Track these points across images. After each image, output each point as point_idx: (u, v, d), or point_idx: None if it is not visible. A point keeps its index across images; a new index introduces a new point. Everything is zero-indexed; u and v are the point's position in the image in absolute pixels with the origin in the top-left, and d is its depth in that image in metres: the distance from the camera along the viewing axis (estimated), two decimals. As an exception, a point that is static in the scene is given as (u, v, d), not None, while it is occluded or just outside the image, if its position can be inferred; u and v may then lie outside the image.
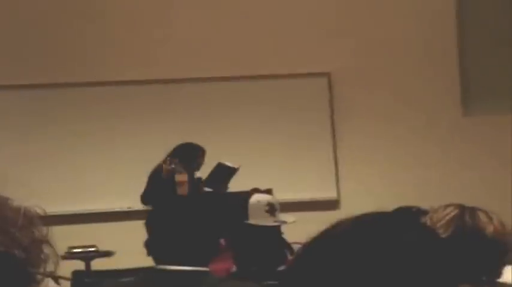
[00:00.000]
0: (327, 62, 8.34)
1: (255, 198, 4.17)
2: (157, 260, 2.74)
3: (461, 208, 2.48)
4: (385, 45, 8.38)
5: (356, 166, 8.28)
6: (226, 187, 6.93)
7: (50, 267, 2.70)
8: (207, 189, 6.95)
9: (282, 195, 6.52)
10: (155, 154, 8.15)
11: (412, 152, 8.28)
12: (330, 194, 8.31)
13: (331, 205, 8.22)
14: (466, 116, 8.41)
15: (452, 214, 2.45)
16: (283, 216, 4.26)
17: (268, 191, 6.02)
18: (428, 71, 8.37)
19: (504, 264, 2.48)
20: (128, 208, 7.97)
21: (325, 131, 8.36)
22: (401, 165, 8.25)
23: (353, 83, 8.38)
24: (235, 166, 7.04)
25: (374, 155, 8.29)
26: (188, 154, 7.03)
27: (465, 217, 2.44)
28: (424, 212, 3.07)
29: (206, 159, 7.10)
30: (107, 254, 7.00)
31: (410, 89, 8.38)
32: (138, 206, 7.67)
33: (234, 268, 3.84)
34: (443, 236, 2.37)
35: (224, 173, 7.04)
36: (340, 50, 8.36)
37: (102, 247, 7.06)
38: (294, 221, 4.13)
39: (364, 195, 7.61)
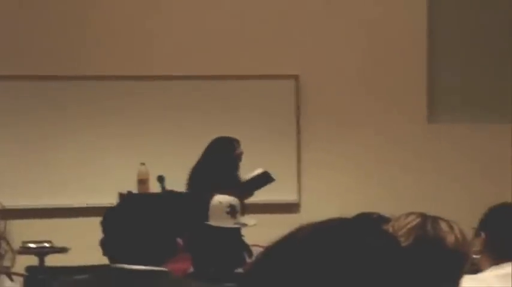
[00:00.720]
0: (296, 64, 8.34)
1: (217, 199, 4.16)
2: (112, 259, 2.69)
3: (423, 216, 2.47)
4: (354, 50, 8.39)
5: (319, 170, 8.28)
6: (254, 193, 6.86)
7: (5, 263, 2.65)
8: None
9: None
10: (115, 152, 8.13)
11: (376, 158, 8.29)
12: (291, 197, 8.30)
13: (291, 208, 8.21)
14: (431, 123, 8.46)
15: (414, 222, 2.44)
16: (244, 218, 4.24)
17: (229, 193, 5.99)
18: (396, 78, 8.40)
19: (463, 274, 2.48)
20: (86, 205, 7.90)
21: (290, 133, 8.36)
22: (365, 170, 8.27)
23: (321, 86, 8.38)
24: (274, 178, 6.97)
25: (337, 160, 8.29)
26: (225, 148, 6.90)
27: (427, 226, 2.43)
28: (386, 220, 3.06)
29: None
30: (62, 250, 6.91)
31: (377, 95, 8.40)
32: (96, 202, 7.61)
33: (191, 269, 3.82)
34: (404, 244, 2.36)
35: (263, 181, 6.98)
36: (309, 53, 8.36)
37: (58, 243, 6.97)
38: (254, 224, 4.11)
39: (326, 199, 7.62)
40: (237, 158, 6.89)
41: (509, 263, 2.91)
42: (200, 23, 8.31)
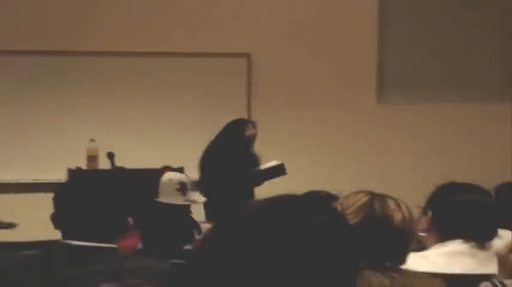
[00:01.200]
0: (248, 42, 8.33)
1: (167, 176, 4.14)
2: (63, 235, 2.68)
3: (371, 195, 2.50)
4: (305, 30, 8.41)
5: (270, 148, 8.29)
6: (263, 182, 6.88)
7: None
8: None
9: (194, 174, 6.51)
10: (64, 128, 8.05)
11: (326, 137, 8.34)
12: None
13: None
14: (379, 103, 8.54)
15: (362, 200, 2.47)
16: (194, 195, 4.24)
17: (180, 170, 5.98)
18: (347, 58, 8.44)
19: (409, 251, 2.51)
20: (32, 180, 7.82)
21: (241, 111, 8.34)
22: (315, 149, 8.31)
23: (272, 65, 8.38)
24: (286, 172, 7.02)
25: (288, 138, 8.32)
26: (236, 129, 6.98)
27: (374, 204, 2.46)
28: (334, 198, 3.09)
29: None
30: (9, 225, 6.83)
31: (327, 75, 8.44)
32: (44, 178, 7.54)
33: (139, 245, 3.81)
34: (353, 222, 2.38)
35: (275, 173, 6.97)
36: (261, 31, 8.35)
37: (5, 219, 6.89)
38: (204, 201, 4.11)
39: (276, 180, 7.61)
40: (248, 139, 6.95)
41: (454, 241, 2.95)
42: (153, 0, 8.25)
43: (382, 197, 2.50)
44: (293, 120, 8.36)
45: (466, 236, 2.95)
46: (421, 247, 3.05)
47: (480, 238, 2.97)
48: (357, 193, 2.54)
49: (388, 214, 2.44)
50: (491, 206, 3.08)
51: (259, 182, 6.83)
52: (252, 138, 7.02)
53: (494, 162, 8.19)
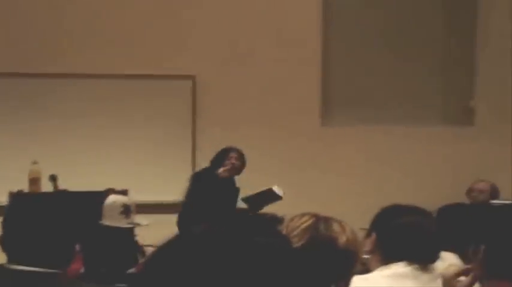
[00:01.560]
0: (193, 65, 8.33)
1: (111, 199, 4.11)
2: (9, 258, 2.63)
3: (316, 217, 2.51)
4: (249, 52, 8.44)
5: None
6: (261, 208, 6.89)
7: None
8: (242, 204, 7.03)
9: (139, 196, 6.46)
10: (6, 150, 7.94)
11: (271, 159, 8.36)
12: (185, 197, 8.28)
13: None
14: (323, 126, 8.61)
15: (307, 223, 2.47)
16: (139, 218, 4.20)
17: (124, 192, 5.94)
18: (291, 80, 8.49)
19: (353, 273, 2.52)
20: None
21: (186, 133, 8.34)
22: (260, 171, 8.30)
23: (217, 88, 8.39)
24: (281, 194, 7.01)
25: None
26: (218, 157, 7.07)
27: (319, 227, 2.46)
28: (279, 220, 3.09)
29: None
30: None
31: (272, 97, 8.48)
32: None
33: (82, 269, 3.76)
34: (298, 244, 2.38)
35: (268, 198, 6.97)
36: (207, 54, 8.36)
37: None
38: (147, 224, 4.08)
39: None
40: (231, 167, 7.00)
41: (397, 263, 2.98)
42: (100, 21, 8.21)
43: (327, 220, 2.51)
44: (238, 142, 8.35)
45: (409, 259, 2.98)
46: (365, 269, 3.07)
47: (423, 260, 2.99)
48: (302, 215, 2.55)
49: (332, 236, 2.45)
50: (433, 229, 3.11)
51: (253, 209, 6.89)
52: (234, 166, 7.06)
53: (437, 184, 8.29)
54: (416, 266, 2.97)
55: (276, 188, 7.02)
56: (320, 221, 2.48)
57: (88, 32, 8.20)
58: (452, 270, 2.59)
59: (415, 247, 2.99)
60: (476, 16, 8.83)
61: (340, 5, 8.74)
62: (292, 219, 2.52)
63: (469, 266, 2.64)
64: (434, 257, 3.03)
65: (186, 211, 6.81)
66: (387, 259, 3.00)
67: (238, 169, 7.10)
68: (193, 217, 6.38)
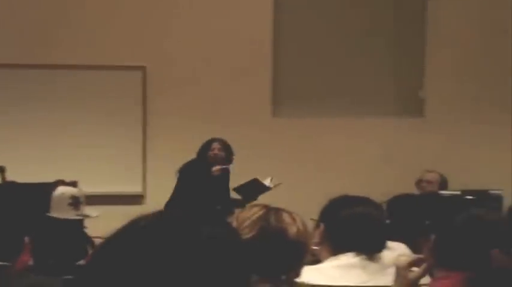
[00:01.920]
0: (143, 56, 8.27)
1: (59, 190, 4.07)
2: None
3: (267, 208, 2.51)
4: (200, 44, 8.41)
5: (164, 162, 8.25)
6: (254, 199, 6.86)
7: None
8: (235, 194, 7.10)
9: (89, 188, 6.39)
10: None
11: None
12: (135, 188, 8.24)
13: (136, 199, 8.16)
14: (275, 117, 8.62)
15: (258, 214, 2.47)
16: (88, 209, 4.16)
17: (74, 184, 5.88)
18: (242, 72, 8.49)
19: (303, 264, 2.53)
20: None
21: (136, 125, 8.29)
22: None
23: (168, 79, 8.36)
24: (270, 185, 7.02)
25: (183, 152, 8.28)
26: (202, 149, 7.17)
27: (270, 218, 2.46)
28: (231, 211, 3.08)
29: None
30: None
31: (224, 89, 8.46)
32: None
33: (31, 261, 3.72)
34: (248, 235, 2.38)
35: (257, 188, 6.94)
36: (156, 44, 8.32)
37: None
38: (97, 216, 4.05)
39: (169, 191, 7.57)
40: (209, 159, 7.08)
41: (346, 254, 2.99)
42: (48, 12, 8.12)
43: (278, 211, 2.51)
44: (188, 133, 8.34)
45: (357, 249, 2.99)
46: (316, 260, 3.08)
47: (370, 250, 3.02)
48: (252, 206, 2.55)
49: (282, 227, 2.45)
50: (380, 219, 3.14)
51: (245, 200, 6.90)
52: (214, 158, 7.11)
53: (387, 175, 8.36)
54: (364, 256, 2.99)
55: (267, 181, 7.06)
56: (271, 212, 2.48)
57: (38, 23, 8.09)
58: (405, 260, 2.61)
59: (362, 237, 3.01)
60: (426, 7, 8.91)
61: (291, -3, 8.76)
62: (242, 210, 2.52)
63: (420, 256, 2.66)
64: (381, 247, 3.06)
65: (174, 204, 6.86)
66: (336, 249, 3.02)
67: (224, 158, 7.12)
68: (184, 206, 6.47)
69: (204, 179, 6.99)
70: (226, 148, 7.20)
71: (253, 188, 7.08)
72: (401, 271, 2.57)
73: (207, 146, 7.17)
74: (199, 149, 7.21)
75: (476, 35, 8.88)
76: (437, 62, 8.88)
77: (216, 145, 7.15)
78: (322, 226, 3.08)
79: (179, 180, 7.19)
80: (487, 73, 8.90)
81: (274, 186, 7.05)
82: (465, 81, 8.87)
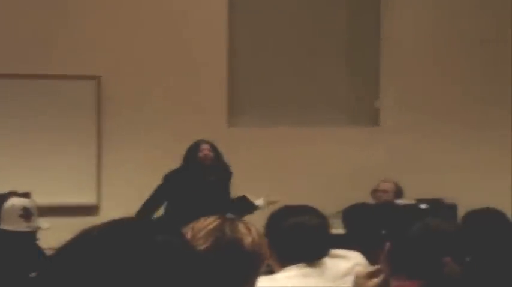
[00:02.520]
0: (98, 65, 8.21)
1: (10, 202, 4.01)
2: None
3: (222, 219, 2.49)
4: (155, 53, 8.38)
5: (119, 172, 8.21)
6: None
7: None
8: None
9: (41, 199, 6.32)
10: None
11: (178, 161, 8.30)
12: (90, 199, 8.16)
13: (90, 210, 8.08)
14: (230, 127, 8.61)
15: (213, 225, 2.45)
16: (40, 221, 4.11)
17: (26, 195, 5.80)
18: (197, 82, 8.47)
19: (258, 274, 2.51)
20: None
21: (91, 134, 8.22)
22: (164, 174, 8.26)
23: (122, 88, 8.30)
24: (259, 204, 6.85)
25: (138, 162, 8.25)
26: (189, 152, 6.95)
27: (225, 228, 2.44)
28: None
29: None
30: None
31: (179, 99, 8.43)
32: None
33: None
34: (203, 246, 2.36)
35: (244, 206, 6.80)
36: (111, 54, 8.26)
37: None
38: (48, 227, 3.99)
39: (125, 202, 7.51)
40: (199, 160, 6.89)
41: (297, 265, 3.00)
42: (4, 20, 8.03)
43: (233, 221, 2.49)
44: (143, 143, 8.30)
45: (302, 259, 3.00)
46: (270, 270, 3.07)
47: (315, 257, 3.03)
48: (208, 217, 2.53)
49: (238, 238, 2.43)
50: (320, 225, 3.15)
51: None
52: (205, 158, 6.94)
53: (342, 184, 8.39)
54: (314, 265, 3.00)
55: (259, 200, 6.92)
56: (226, 223, 2.47)
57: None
58: (363, 270, 2.61)
59: (306, 247, 3.02)
60: (379, 16, 8.98)
61: (247, 6, 8.76)
62: (197, 221, 2.50)
63: (378, 266, 2.67)
64: (324, 253, 3.08)
65: (169, 212, 6.74)
66: (283, 261, 3.02)
67: (213, 159, 6.97)
68: (179, 216, 6.33)
69: (200, 183, 6.83)
70: (215, 148, 7.04)
71: (241, 206, 6.92)
72: (360, 281, 2.57)
73: (195, 148, 6.97)
74: (186, 153, 6.99)
75: (432, 43, 8.96)
76: (392, 71, 8.94)
77: (205, 146, 6.98)
78: (266, 239, 3.10)
79: (162, 188, 6.98)
80: (441, 83, 8.99)
81: (268, 204, 6.73)
82: (419, 91, 8.95)
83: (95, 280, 1.11)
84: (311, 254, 3.03)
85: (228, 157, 7.57)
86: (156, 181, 7.38)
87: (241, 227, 2.47)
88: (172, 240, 1.20)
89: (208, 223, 2.46)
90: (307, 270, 2.98)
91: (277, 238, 3.06)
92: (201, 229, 2.43)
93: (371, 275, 2.56)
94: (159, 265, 1.14)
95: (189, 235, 2.39)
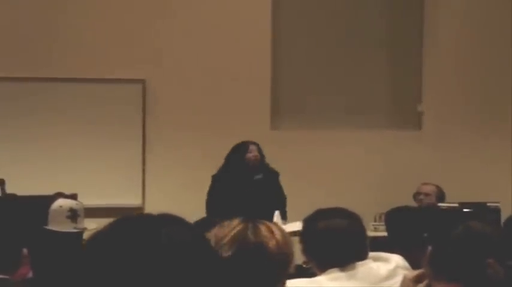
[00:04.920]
0: (143, 69, 8.29)
1: (58, 203, 4.07)
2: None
3: (244, 223, 2.46)
4: (200, 57, 8.44)
5: (163, 174, 8.27)
6: None
7: None
8: None
9: (89, 200, 6.41)
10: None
11: (221, 163, 8.34)
12: (135, 201, 8.24)
13: (135, 211, 8.14)
14: (273, 130, 8.64)
15: (236, 230, 2.42)
16: (86, 222, 4.16)
17: (73, 196, 5.88)
18: (241, 85, 8.51)
19: (287, 274, 2.50)
20: None
21: (136, 137, 8.31)
22: (208, 176, 8.29)
23: (167, 91, 8.37)
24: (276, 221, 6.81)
25: (182, 164, 8.31)
26: (235, 152, 6.93)
27: (247, 233, 2.42)
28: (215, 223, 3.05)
29: None
30: None
31: (223, 101, 8.48)
32: None
33: (30, 274, 3.72)
34: (227, 254, 2.35)
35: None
36: (156, 57, 8.34)
37: None
38: (95, 228, 4.04)
39: (169, 204, 7.58)
40: (248, 161, 6.87)
41: (334, 270, 3.00)
42: (48, 25, 8.14)
43: (255, 224, 2.45)
44: (188, 147, 8.36)
45: (341, 261, 3.01)
46: (313, 272, 3.09)
47: (354, 260, 3.03)
48: (230, 221, 2.50)
49: (261, 241, 2.40)
50: (356, 228, 3.15)
51: None
52: (254, 161, 6.93)
53: (384, 187, 8.36)
54: (354, 267, 3.00)
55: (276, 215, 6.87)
56: (248, 227, 2.44)
57: (38, 35, 8.11)
58: (412, 274, 2.62)
59: (341, 249, 3.03)
60: (423, 20, 8.94)
61: (290, 12, 8.78)
62: (221, 225, 2.49)
63: (423, 270, 2.67)
64: (363, 256, 3.08)
65: (212, 212, 6.72)
66: (323, 265, 3.03)
67: (259, 159, 6.96)
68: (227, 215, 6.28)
69: (248, 183, 6.81)
70: (260, 150, 7.00)
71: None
72: (407, 284, 2.58)
73: (243, 149, 6.93)
74: (232, 153, 6.94)
75: (475, 47, 8.90)
76: (435, 75, 8.90)
77: (253, 147, 6.95)
78: (302, 244, 3.11)
79: (213, 189, 6.97)
80: (485, 86, 8.92)
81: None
82: (463, 95, 8.89)
83: (102, 274, 1.15)
84: (348, 257, 3.03)
85: (270, 159, 7.60)
86: (199, 182, 7.44)
87: (263, 230, 2.43)
88: (179, 233, 1.21)
89: (230, 228, 2.43)
90: (352, 272, 2.99)
91: (313, 242, 3.08)
92: (224, 235, 2.41)
93: (418, 278, 2.57)
94: (164, 258, 1.16)
95: (212, 242, 2.37)
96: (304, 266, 3.08)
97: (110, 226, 1.22)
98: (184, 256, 1.18)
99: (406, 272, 2.85)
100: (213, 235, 2.40)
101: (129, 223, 1.23)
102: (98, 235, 1.21)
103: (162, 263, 1.15)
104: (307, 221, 3.17)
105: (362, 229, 3.18)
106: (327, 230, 3.07)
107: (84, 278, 1.16)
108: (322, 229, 3.08)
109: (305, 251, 3.08)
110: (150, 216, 1.25)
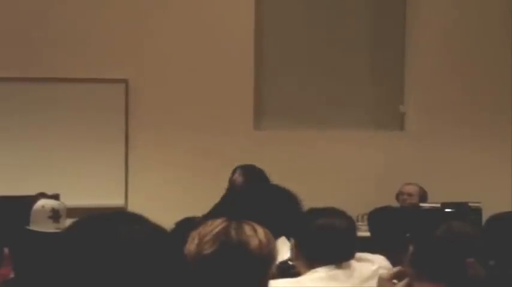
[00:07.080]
0: (125, 68, 8.27)
1: (40, 203, 4.07)
2: None
3: (228, 222, 2.47)
4: (183, 57, 8.43)
5: (146, 174, 8.26)
6: None
7: None
8: None
9: (70, 201, 6.39)
10: None
11: (204, 163, 8.35)
12: (118, 201, 8.22)
13: (118, 212, 8.13)
14: (256, 130, 8.65)
15: (218, 228, 2.43)
16: (68, 222, 4.17)
17: (55, 197, 5.87)
18: (224, 84, 8.51)
19: (269, 276, 2.50)
20: None
21: (119, 137, 8.28)
22: (192, 174, 8.31)
23: (150, 91, 8.36)
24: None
25: (165, 164, 8.30)
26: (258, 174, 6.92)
27: (230, 232, 2.43)
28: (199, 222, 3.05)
29: None
30: None
31: (206, 102, 8.47)
32: None
33: (12, 274, 3.71)
34: (209, 251, 2.36)
35: None
36: (139, 57, 8.32)
37: None
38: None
39: (152, 204, 7.57)
40: (232, 184, 6.94)
41: (326, 267, 3.01)
42: (26, 24, 8.11)
43: (238, 223, 2.46)
44: (171, 147, 8.35)
45: (330, 260, 3.02)
46: (296, 272, 3.09)
47: (342, 259, 3.05)
48: (213, 220, 2.51)
49: (244, 240, 2.41)
50: (347, 227, 3.17)
51: None
52: (234, 183, 6.99)
53: (367, 188, 8.38)
54: (341, 267, 3.02)
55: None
56: (231, 226, 2.45)
57: (17, 35, 8.08)
58: (387, 272, 2.63)
59: (332, 249, 3.04)
60: (405, 22, 8.98)
61: (273, 12, 8.80)
62: (206, 224, 2.49)
63: (401, 268, 2.68)
64: (352, 256, 3.09)
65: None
66: (311, 262, 3.04)
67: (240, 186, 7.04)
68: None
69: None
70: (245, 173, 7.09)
71: None
72: (383, 283, 2.59)
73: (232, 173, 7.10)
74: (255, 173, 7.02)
75: (457, 49, 8.94)
76: (417, 76, 8.94)
77: (237, 171, 7.06)
78: (292, 241, 3.11)
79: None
80: (466, 87, 8.96)
81: None
82: (444, 96, 8.93)
83: (65, 273, 1.21)
84: (339, 255, 3.05)
85: (253, 159, 7.61)
86: (182, 182, 7.44)
87: (247, 229, 2.44)
88: (137, 230, 1.22)
89: (213, 226, 2.45)
90: (335, 272, 3.00)
91: (306, 239, 3.08)
92: (207, 233, 2.42)
93: (394, 276, 2.58)
94: (123, 255, 1.18)
95: (196, 240, 2.38)
96: (290, 263, 3.09)
97: (70, 227, 1.24)
98: (141, 253, 1.19)
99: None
100: (197, 233, 2.42)
101: (87, 222, 1.24)
102: (60, 236, 1.23)
103: (120, 260, 1.17)
104: (301, 218, 3.19)
105: (355, 229, 3.21)
106: (322, 227, 3.09)
107: (52, 278, 1.18)
108: (317, 226, 3.10)
109: (295, 246, 3.09)
110: (108, 215, 1.26)
